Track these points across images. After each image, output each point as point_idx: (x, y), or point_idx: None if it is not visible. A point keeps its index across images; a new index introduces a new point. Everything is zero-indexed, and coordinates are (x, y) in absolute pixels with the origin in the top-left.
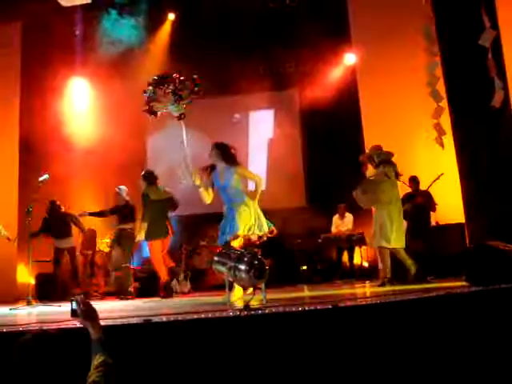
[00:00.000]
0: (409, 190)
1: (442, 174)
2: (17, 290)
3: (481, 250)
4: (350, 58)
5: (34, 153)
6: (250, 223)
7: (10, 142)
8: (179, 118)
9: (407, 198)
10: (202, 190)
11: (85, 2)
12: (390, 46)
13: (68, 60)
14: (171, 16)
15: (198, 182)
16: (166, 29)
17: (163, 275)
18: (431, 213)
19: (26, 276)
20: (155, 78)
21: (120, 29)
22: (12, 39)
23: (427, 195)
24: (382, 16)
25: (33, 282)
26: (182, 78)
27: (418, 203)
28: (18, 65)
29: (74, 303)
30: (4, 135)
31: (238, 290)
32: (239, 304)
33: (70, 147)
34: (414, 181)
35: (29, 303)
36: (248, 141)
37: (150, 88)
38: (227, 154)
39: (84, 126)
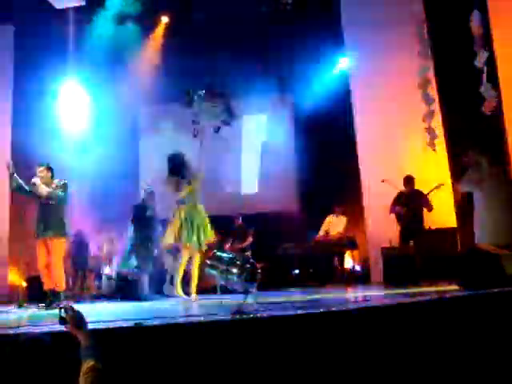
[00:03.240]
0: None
1: (442, 184)
2: (8, 293)
3: (472, 254)
4: (343, 63)
5: (25, 156)
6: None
7: (2, 144)
8: (216, 130)
9: (399, 198)
10: None
11: (78, 5)
12: (384, 50)
13: (61, 63)
14: (164, 19)
15: None
16: (159, 32)
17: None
18: (424, 215)
19: (17, 278)
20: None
21: (113, 31)
22: (4, 42)
23: (421, 196)
24: (375, 21)
25: (24, 284)
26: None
27: (413, 206)
28: (11, 68)
29: (62, 311)
30: None
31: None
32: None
33: (62, 150)
34: (408, 180)
35: (20, 305)
36: (241, 145)
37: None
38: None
39: (77, 129)
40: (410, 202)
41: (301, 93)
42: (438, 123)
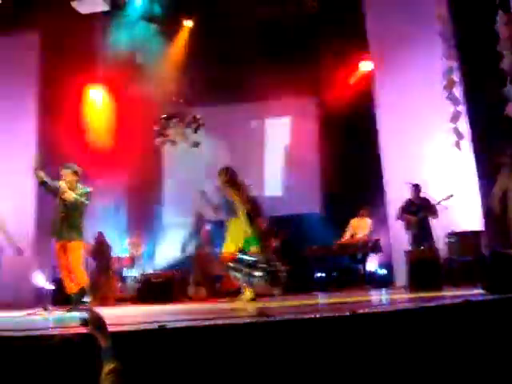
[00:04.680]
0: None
1: (451, 196)
2: (34, 296)
3: (497, 258)
4: (367, 65)
5: (50, 159)
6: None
7: (28, 147)
8: (194, 145)
9: (409, 206)
10: None
11: (103, 10)
12: (407, 51)
13: (86, 67)
14: (188, 23)
15: None
16: (183, 36)
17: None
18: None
19: (43, 281)
20: (165, 116)
21: (137, 36)
22: (31, 46)
23: (428, 203)
24: (398, 22)
25: (50, 286)
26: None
27: (423, 214)
28: (37, 71)
29: (83, 313)
30: (22, 141)
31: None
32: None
33: (86, 153)
34: (416, 188)
35: (46, 308)
36: (264, 148)
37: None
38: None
39: (101, 132)
40: (420, 211)
41: (325, 95)
42: (464, 124)
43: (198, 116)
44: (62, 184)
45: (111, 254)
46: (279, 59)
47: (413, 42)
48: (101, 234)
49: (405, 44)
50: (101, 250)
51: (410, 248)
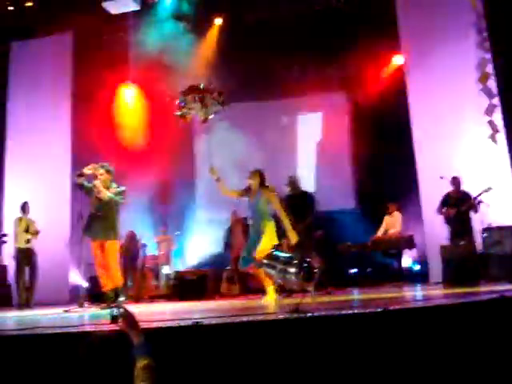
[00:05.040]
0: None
1: (490, 188)
2: (70, 293)
3: None
4: (398, 59)
5: (85, 157)
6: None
7: (63, 145)
8: (204, 121)
9: (447, 200)
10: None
11: (133, 9)
12: (440, 44)
13: (117, 66)
14: (218, 21)
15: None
16: (213, 33)
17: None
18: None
19: (78, 278)
20: (185, 88)
21: (167, 34)
22: (64, 47)
23: (469, 198)
24: (430, 14)
25: (85, 284)
26: (208, 87)
27: (463, 209)
28: (70, 71)
29: (114, 310)
30: (57, 139)
31: (271, 294)
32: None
33: (119, 151)
34: (455, 181)
35: (81, 305)
36: (297, 143)
37: (181, 97)
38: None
39: (133, 130)
40: (460, 204)
41: (356, 90)
42: (499, 117)
43: (220, 92)
44: (97, 183)
45: (144, 251)
46: (309, 55)
47: (445, 34)
48: (132, 232)
49: (437, 36)
50: (132, 247)
51: (447, 243)
